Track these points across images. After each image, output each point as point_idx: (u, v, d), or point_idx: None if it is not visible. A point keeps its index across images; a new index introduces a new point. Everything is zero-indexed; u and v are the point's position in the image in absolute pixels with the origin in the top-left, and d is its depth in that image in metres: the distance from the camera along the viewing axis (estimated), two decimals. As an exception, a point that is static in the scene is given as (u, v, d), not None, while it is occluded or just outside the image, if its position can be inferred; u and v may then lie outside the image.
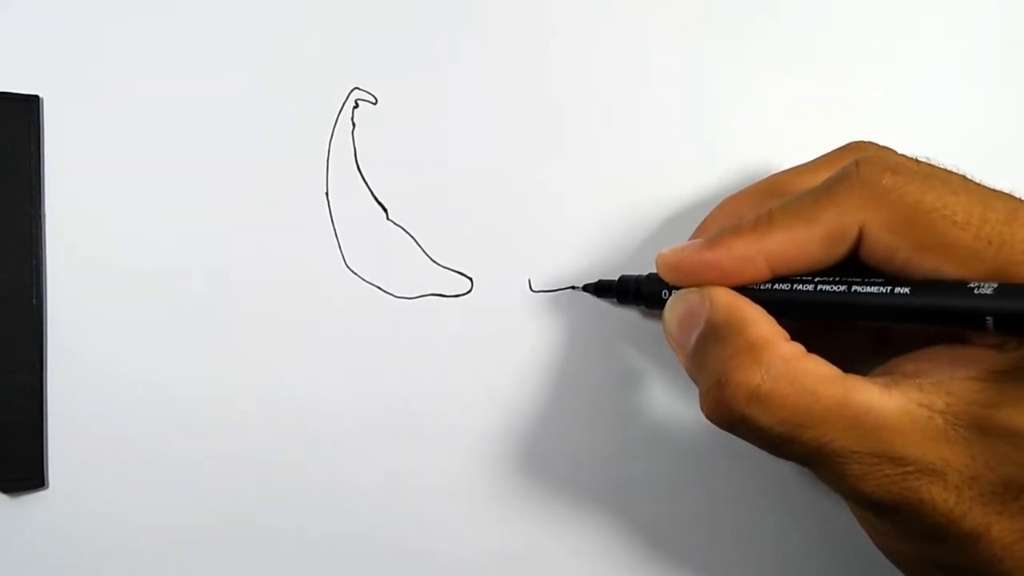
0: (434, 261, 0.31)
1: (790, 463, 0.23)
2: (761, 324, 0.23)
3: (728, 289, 0.24)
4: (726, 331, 0.23)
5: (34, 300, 0.30)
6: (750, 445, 0.23)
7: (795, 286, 0.24)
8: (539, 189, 0.31)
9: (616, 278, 0.29)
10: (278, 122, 0.30)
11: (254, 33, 0.30)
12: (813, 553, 0.31)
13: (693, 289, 0.25)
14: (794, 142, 0.30)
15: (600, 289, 0.30)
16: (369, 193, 0.31)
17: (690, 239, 0.28)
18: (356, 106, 0.30)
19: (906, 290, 0.22)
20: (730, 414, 0.22)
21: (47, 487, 0.30)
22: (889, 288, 0.22)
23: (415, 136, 0.31)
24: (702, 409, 0.23)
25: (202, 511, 0.30)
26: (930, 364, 0.22)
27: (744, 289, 0.24)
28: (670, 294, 0.26)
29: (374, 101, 0.31)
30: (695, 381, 0.24)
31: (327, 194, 0.30)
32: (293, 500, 0.31)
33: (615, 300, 0.30)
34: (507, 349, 0.30)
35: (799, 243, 0.23)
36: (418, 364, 0.31)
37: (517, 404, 0.31)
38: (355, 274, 0.30)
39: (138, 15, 0.30)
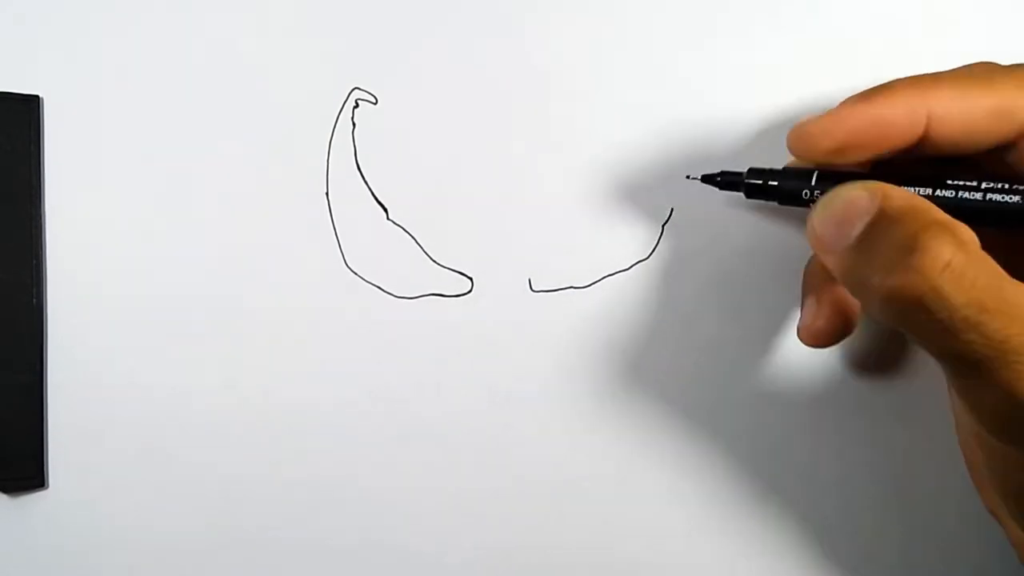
0: (434, 261, 0.31)
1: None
2: (944, 214, 0.21)
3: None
4: (912, 213, 0.21)
5: (34, 300, 0.30)
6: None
7: (960, 193, 0.22)
8: (539, 189, 0.31)
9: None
10: (278, 122, 0.30)
11: (254, 33, 0.30)
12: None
13: (854, 183, 0.22)
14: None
15: (726, 184, 0.27)
16: (369, 193, 0.31)
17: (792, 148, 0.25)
18: (356, 106, 0.30)
19: None
20: (920, 283, 0.19)
21: (47, 487, 0.30)
22: None
23: (415, 136, 0.31)
24: (872, 294, 0.21)
25: (202, 511, 0.30)
26: None
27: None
28: (811, 193, 0.24)
29: (374, 101, 0.31)
30: (850, 278, 0.22)
31: (327, 194, 0.30)
32: (292, 500, 0.31)
33: (742, 195, 0.27)
34: (507, 349, 0.30)
35: (966, 108, 0.22)
36: (418, 364, 0.31)
37: (517, 404, 0.31)
38: (355, 274, 0.31)
39: (138, 15, 0.30)
